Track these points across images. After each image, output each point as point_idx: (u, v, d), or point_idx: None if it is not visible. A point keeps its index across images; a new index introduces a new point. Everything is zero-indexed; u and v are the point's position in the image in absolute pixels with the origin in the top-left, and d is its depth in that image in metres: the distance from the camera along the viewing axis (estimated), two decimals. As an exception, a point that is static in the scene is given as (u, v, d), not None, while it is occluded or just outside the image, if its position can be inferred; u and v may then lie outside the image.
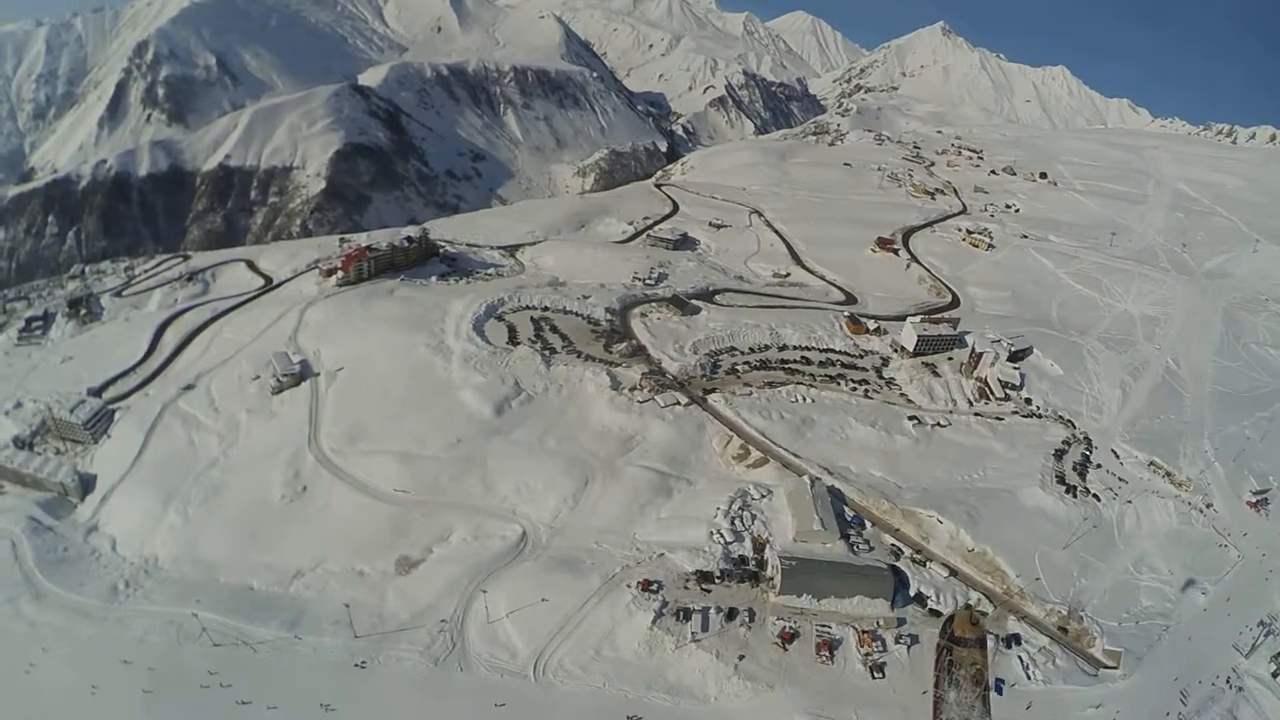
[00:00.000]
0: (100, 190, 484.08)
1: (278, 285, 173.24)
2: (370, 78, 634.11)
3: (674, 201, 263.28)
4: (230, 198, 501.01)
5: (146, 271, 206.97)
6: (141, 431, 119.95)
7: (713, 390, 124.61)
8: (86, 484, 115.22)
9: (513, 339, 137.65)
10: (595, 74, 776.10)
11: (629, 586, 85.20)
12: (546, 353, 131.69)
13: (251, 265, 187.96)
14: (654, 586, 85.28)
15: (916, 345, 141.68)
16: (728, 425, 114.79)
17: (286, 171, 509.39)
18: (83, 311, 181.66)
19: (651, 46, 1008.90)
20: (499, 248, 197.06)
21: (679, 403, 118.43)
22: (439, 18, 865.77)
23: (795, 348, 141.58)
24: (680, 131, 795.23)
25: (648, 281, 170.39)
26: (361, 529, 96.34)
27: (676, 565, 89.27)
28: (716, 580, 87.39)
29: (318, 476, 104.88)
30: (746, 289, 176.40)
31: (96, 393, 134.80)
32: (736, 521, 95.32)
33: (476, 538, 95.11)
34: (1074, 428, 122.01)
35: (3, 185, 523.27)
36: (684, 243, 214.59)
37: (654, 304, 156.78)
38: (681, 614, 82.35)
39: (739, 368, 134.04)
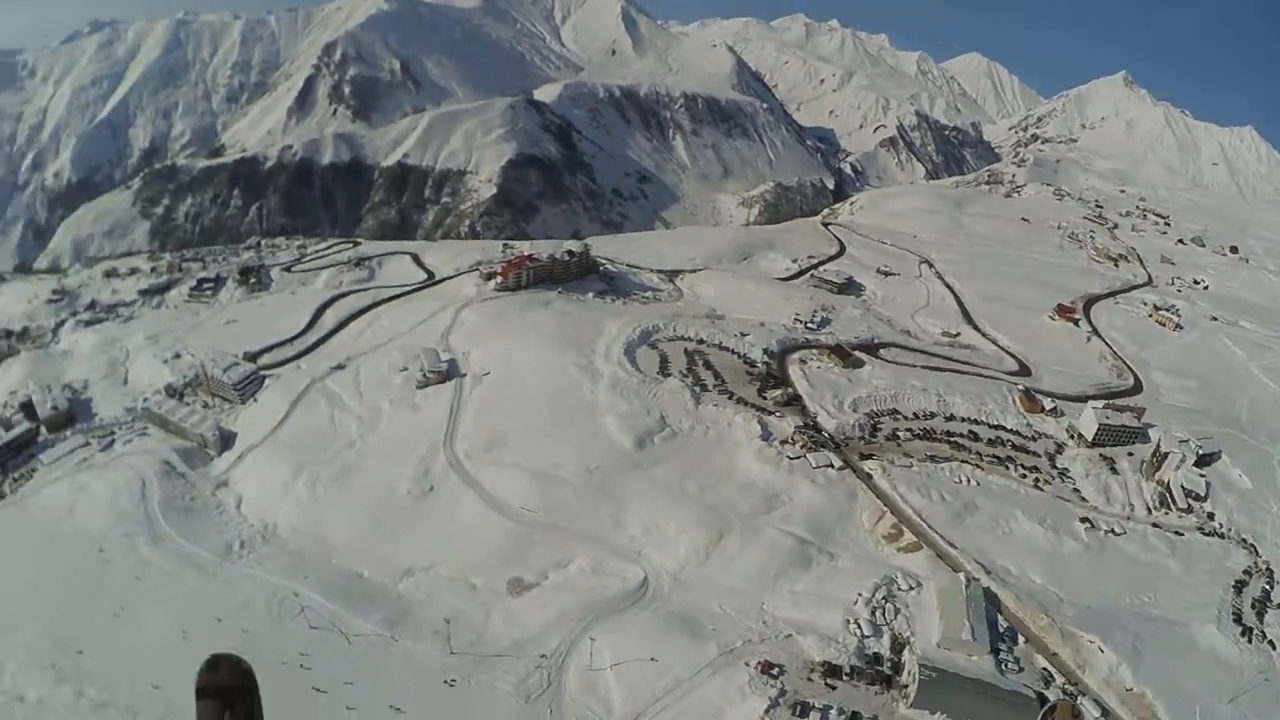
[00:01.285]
0: (284, 172, 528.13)
1: (439, 282, 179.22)
2: (545, 93, 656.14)
3: (841, 242, 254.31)
4: (405, 193, 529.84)
5: (318, 252, 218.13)
6: (287, 401, 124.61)
7: (870, 456, 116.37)
8: (226, 440, 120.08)
9: (664, 369, 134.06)
10: (765, 105, 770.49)
11: (748, 665, 78.21)
12: (697, 389, 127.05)
13: (417, 259, 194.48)
14: (775, 670, 78.04)
15: (1096, 434, 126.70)
16: (882, 499, 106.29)
17: (460, 175, 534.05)
18: (252, 280, 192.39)
19: (823, 81, 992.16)
20: (659, 271, 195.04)
21: (832, 465, 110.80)
22: (614, 41, 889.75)
23: (963, 419, 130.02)
24: (849, 170, 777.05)
25: (809, 325, 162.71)
26: (481, 541, 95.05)
27: (803, 651, 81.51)
28: (845, 677, 78.85)
29: (446, 479, 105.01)
30: (913, 345, 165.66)
31: (251, 358, 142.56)
32: (877, 613, 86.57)
33: (595, 572, 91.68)
34: (1258, 554, 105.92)
35: (194, 157, 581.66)
36: (849, 287, 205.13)
37: (815, 351, 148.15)
38: (799, 709, 74.40)
39: (900, 434, 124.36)
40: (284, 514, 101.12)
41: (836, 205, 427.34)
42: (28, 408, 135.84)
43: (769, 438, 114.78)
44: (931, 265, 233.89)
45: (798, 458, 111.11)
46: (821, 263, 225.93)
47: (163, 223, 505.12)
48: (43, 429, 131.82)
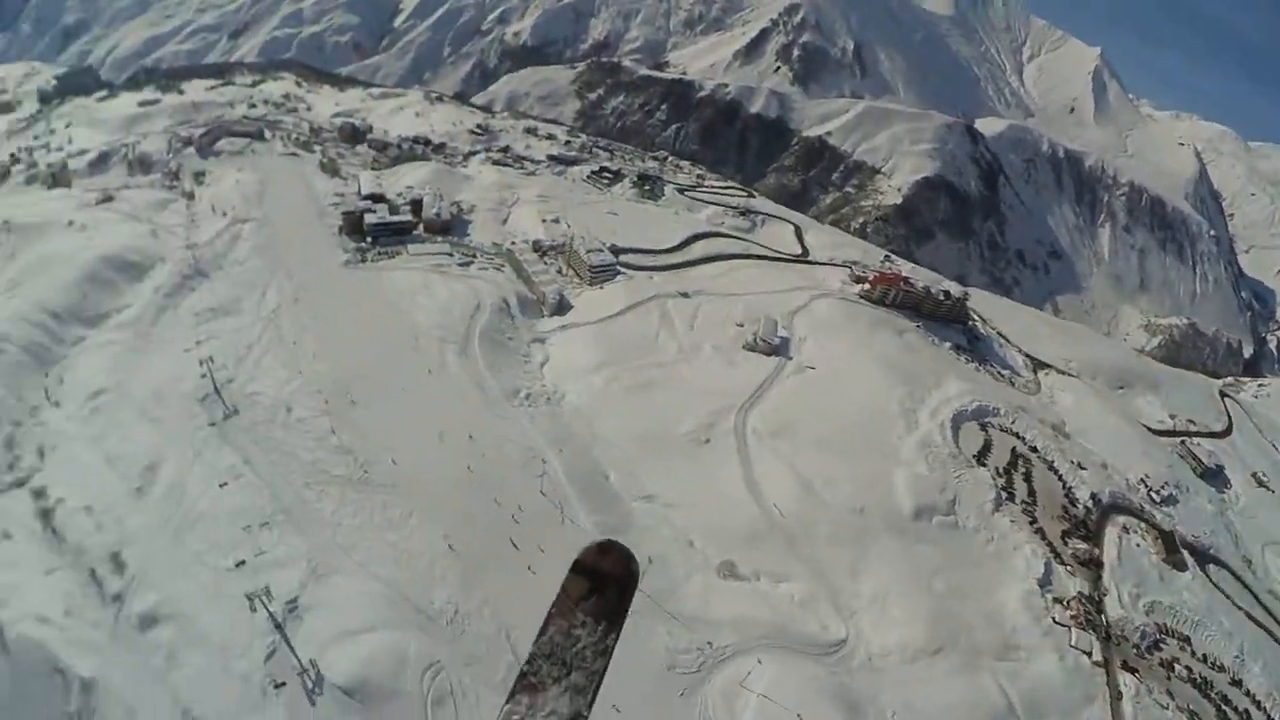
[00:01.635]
0: (712, 105, 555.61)
1: (810, 262, 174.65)
2: (986, 125, 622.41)
3: (1230, 420, 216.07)
4: (814, 168, 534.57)
5: (713, 188, 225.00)
6: (626, 301, 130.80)
7: (1133, 670, 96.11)
8: (561, 307, 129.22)
9: (981, 457, 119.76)
10: (1212, 232, 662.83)
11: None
12: (1003, 493, 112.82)
13: (799, 233, 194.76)
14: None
15: None
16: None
17: (872, 172, 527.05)
18: (646, 186, 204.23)
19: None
20: (1027, 354, 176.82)
21: (1090, 654, 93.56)
22: (1075, 98, 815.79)
23: (1250, 694, 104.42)
24: (1274, 345, 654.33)
25: (1153, 492, 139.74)
26: (721, 512, 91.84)
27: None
28: None
29: (725, 441, 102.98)
30: (1246, 579, 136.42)
31: (616, 251, 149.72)
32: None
33: (802, 604, 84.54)
34: None
35: (638, 64, 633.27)
36: (1215, 477, 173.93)
37: (1144, 524, 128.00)
38: None
39: (1176, 666, 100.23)
40: (574, 392, 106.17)
41: (1244, 379, 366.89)
42: (416, 205, 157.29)
43: (1046, 586, 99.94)
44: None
45: (1062, 625, 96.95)
46: (1199, 434, 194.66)
47: (592, 108, 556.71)
48: (421, 226, 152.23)
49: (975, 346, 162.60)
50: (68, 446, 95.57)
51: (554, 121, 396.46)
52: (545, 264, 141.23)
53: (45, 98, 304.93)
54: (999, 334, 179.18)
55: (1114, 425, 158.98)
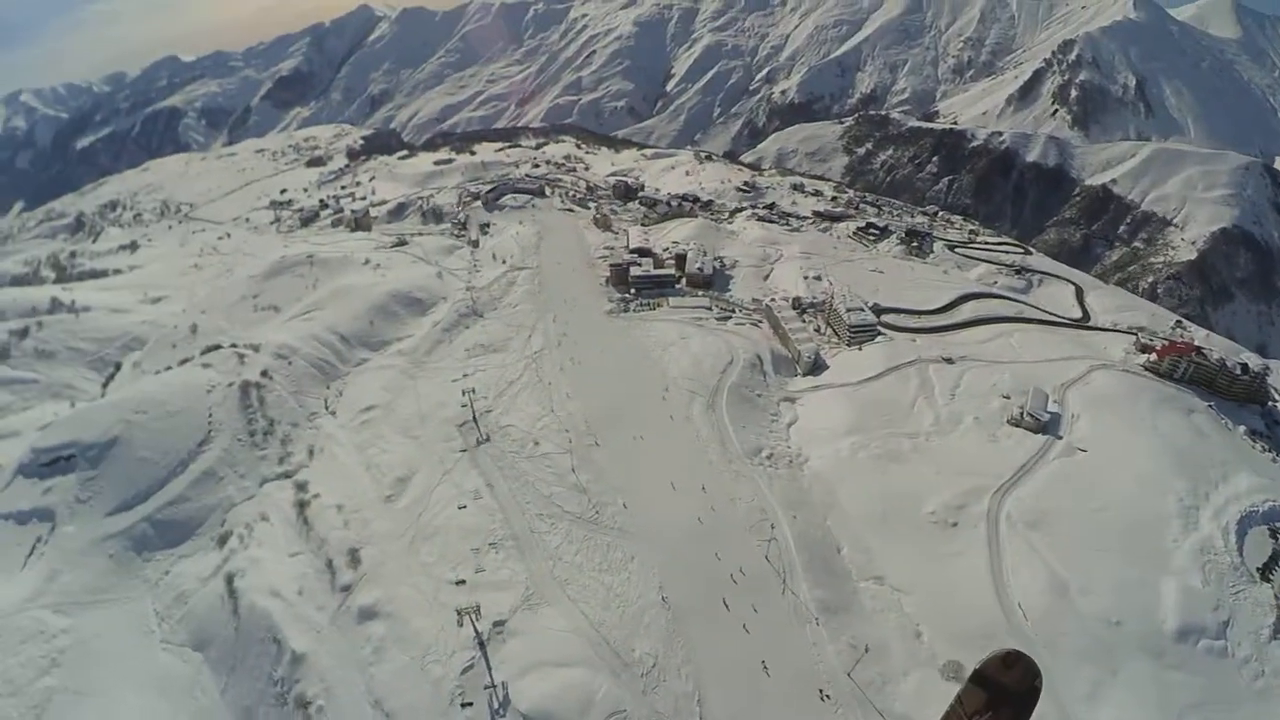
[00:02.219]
0: (986, 155, 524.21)
1: (1089, 328, 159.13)
2: None
3: None
4: (1098, 221, 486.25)
5: (986, 244, 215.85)
6: (884, 364, 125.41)
7: None
8: (817, 367, 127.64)
9: (1265, 572, 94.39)
10: None
11: None
12: None
13: (1079, 294, 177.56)
14: None
15: None
16: None
17: (1163, 224, 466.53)
18: (914, 243, 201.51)
19: None
20: None
21: None
22: None
23: None
24: None
25: None
26: (959, 614, 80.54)
27: None
28: None
29: (974, 528, 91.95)
30: None
31: (878, 311, 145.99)
32: None
33: None
34: None
35: (907, 115, 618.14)
36: None
37: None
38: None
39: None
40: (818, 456, 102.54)
41: None
42: (680, 259, 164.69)
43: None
44: None
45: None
46: None
47: (860, 163, 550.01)
48: (683, 280, 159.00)
49: (1274, 432, 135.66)
50: (334, 450, 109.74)
51: (821, 178, 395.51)
52: (804, 322, 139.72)
53: (353, 154, 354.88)
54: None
55: None
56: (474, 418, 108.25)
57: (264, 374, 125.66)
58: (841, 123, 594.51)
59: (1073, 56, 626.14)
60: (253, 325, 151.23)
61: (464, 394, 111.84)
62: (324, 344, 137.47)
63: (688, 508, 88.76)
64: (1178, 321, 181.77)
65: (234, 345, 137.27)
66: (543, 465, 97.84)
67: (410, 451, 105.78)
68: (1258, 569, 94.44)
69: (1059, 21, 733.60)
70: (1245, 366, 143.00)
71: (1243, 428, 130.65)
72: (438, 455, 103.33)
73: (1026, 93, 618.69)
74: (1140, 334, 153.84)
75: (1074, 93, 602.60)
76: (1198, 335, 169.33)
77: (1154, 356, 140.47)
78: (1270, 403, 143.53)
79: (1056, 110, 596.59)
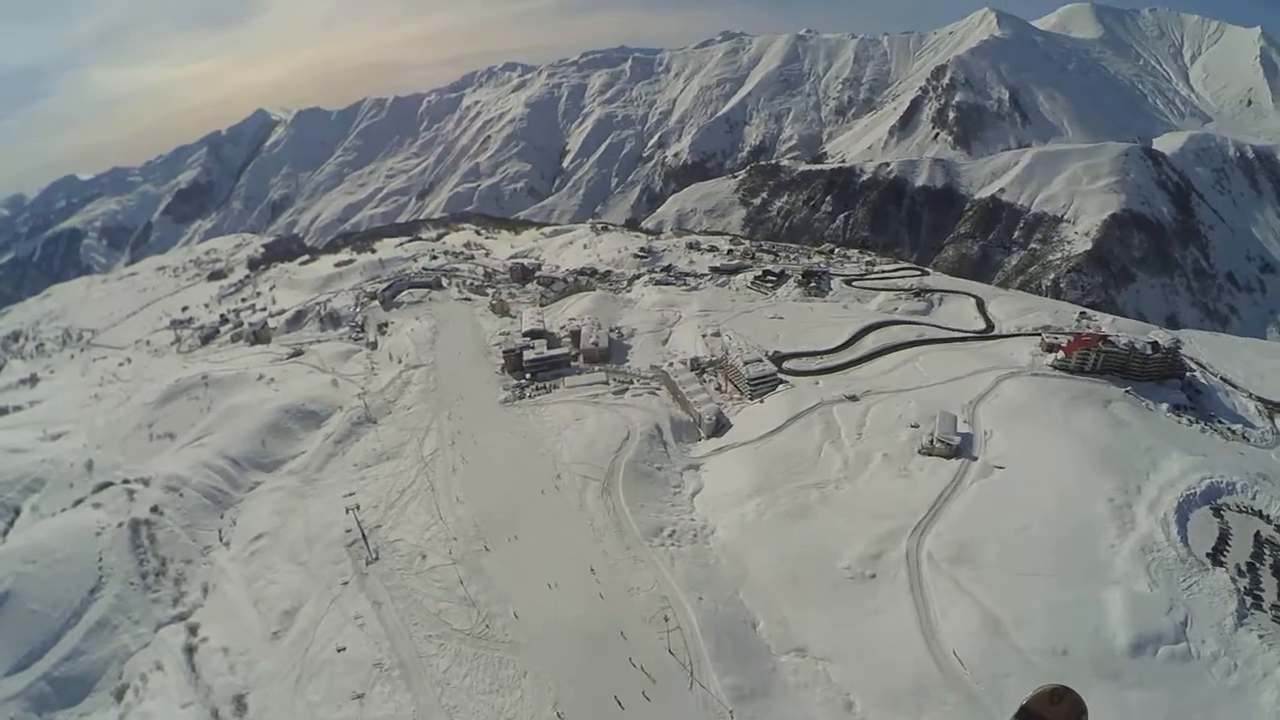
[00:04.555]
0: (876, 187, 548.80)
1: (994, 337, 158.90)
2: (1165, 143, 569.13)
3: None
4: (993, 231, 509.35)
5: (884, 272, 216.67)
6: (788, 414, 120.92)
7: None
8: (719, 428, 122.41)
9: (1216, 554, 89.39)
10: None
11: None
12: (1248, 599, 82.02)
13: (980, 305, 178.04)
14: None
15: None
16: None
17: (1055, 222, 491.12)
18: (812, 284, 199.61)
19: None
20: (1258, 399, 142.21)
21: None
22: (1250, 89, 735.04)
23: None
24: None
25: None
26: (889, 666, 74.31)
27: None
28: None
29: (894, 576, 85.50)
30: None
31: (778, 359, 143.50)
32: None
33: None
34: None
35: (796, 160, 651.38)
36: None
37: None
38: None
39: None
40: (724, 525, 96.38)
41: None
42: (575, 335, 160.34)
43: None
44: None
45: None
46: None
47: (757, 213, 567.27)
48: (580, 357, 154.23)
49: (1197, 402, 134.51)
50: (225, 587, 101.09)
51: (720, 233, 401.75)
52: (702, 382, 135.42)
53: (253, 264, 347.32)
54: (1223, 380, 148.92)
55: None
56: (362, 536, 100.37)
57: (154, 510, 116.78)
58: (735, 177, 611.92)
59: (946, 80, 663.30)
60: (148, 456, 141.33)
61: (348, 511, 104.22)
62: (215, 471, 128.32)
63: (579, 609, 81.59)
64: (1081, 313, 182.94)
65: (126, 481, 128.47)
66: (430, 580, 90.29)
67: (297, 580, 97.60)
68: (1207, 554, 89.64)
69: (929, 50, 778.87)
70: (1155, 344, 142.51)
71: (1165, 405, 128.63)
72: (325, 581, 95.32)
73: (907, 122, 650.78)
74: (1045, 333, 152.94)
75: (952, 114, 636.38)
76: (1103, 323, 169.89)
77: (1061, 354, 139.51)
78: (1188, 373, 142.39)
79: (938, 134, 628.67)
